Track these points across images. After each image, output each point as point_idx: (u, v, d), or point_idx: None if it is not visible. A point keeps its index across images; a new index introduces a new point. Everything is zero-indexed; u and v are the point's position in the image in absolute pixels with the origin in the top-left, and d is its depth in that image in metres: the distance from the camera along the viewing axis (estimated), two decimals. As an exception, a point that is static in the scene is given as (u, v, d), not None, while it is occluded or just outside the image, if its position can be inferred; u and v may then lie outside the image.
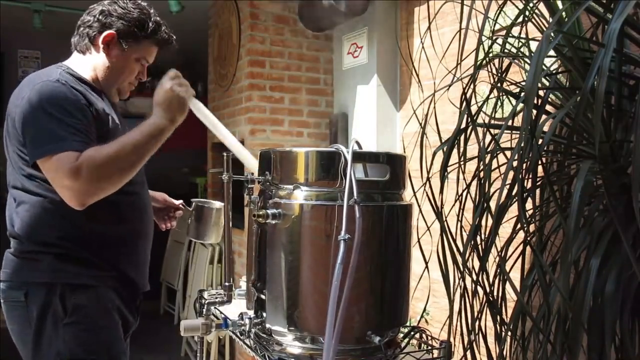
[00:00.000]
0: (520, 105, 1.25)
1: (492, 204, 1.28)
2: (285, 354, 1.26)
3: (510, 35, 1.40)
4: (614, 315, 1.11)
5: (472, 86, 1.31)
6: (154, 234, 1.78)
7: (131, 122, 1.69)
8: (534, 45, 1.29)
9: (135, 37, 1.62)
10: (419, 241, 1.46)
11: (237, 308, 1.46)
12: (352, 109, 3.09)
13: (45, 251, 1.50)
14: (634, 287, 1.14)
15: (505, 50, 1.44)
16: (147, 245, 1.71)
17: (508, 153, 1.40)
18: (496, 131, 1.38)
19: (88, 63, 1.63)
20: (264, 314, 1.29)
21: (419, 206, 1.44)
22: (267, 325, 1.29)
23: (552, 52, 1.19)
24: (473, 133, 1.33)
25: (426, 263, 1.50)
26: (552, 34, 1.19)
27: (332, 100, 3.32)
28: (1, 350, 1.78)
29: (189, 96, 1.54)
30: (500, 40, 1.44)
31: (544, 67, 1.21)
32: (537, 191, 1.37)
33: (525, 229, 1.27)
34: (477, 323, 1.39)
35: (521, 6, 1.34)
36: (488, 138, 1.36)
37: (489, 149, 1.37)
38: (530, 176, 1.30)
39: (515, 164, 1.15)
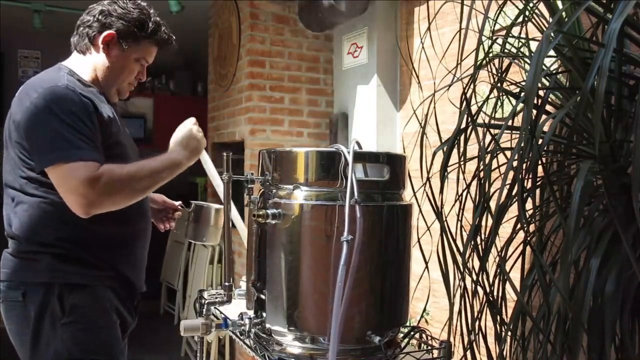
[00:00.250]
0: (520, 105, 1.25)
1: (492, 204, 1.28)
2: (285, 354, 1.26)
3: (510, 35, 1.40)
4: (614, 315, 1.11)
5: (472, 86, 1.31)
6: (154, 234, 1.79)
7: (131, 122, 1.69)
8: (534, 45, 1.29)
9: (135, 37, 1.62)
10: (419, 241, 1.46)
11: (237, 308, 1.46)
12: (352, 109, 3.09)
13: (43, 251, 1.50)
14: (634, 287, 1.14)
15: (505, 50, 1.44)
16: (145, 246, 1.71)
17: (508, 153, 1.40)
18: (496, 131, 1.38)
19: (88, 63, 1.63)
20: (264, 314, 1.29)
21: (419, 206, 1.44)
22: (267, 325, 1.29)
23: (552, 52, 1.19)
24: (473, 133, 1.33)
25: (426, 263, 1.49)
26: (552, 34, 1.19)
27: (332, 100, 3.32)
28: (0, 350, 1.78)
29: (204, 143, 1.69)
30: (500, 40, 1.44)
31: (544, 67, 1.21)
32: (537, 191, 1.37)
33: (525, 229, 1.27)
34: (477, 323, 1.39)
35: (521, 6, 1.34)
36: (488, 138, 1.35)
37: (489, 149, 1.37)
38: (530, 176, 1.30)
39: (515, 164, 1.15)
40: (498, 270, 1.39)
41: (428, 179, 1.43)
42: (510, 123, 1.37)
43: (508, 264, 1.40)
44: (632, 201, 0.99)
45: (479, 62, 1.38)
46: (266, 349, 1.29)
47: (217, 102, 3.76)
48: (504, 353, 1.36)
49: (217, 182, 1.75)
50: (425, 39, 1.54)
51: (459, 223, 1.45)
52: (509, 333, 1.37)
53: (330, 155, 1.24)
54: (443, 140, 1.44)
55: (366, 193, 1.22)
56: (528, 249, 1.37)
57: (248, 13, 3.19)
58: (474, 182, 1.40)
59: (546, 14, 1.37)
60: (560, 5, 1.32)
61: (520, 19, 1.38)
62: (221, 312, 1.50)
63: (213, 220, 1.83)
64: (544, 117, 1.23)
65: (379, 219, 1.26)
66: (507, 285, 1.32)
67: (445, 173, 1.39)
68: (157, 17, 1.67)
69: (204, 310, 1.47)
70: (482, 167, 1.34)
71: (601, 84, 0.95)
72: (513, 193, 1.27)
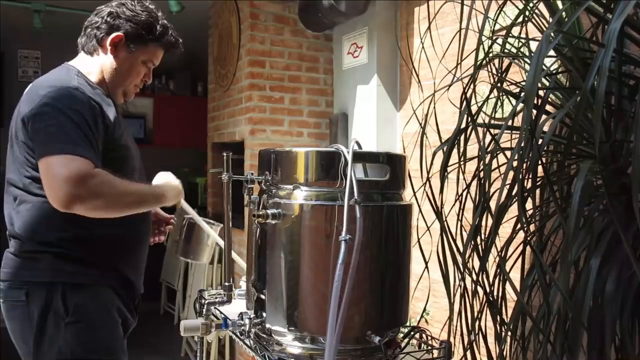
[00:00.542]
0: (520, 105, 1.25)
1: (492, 204, 1.28)
2: (285, 354, 1.26)
3: (510, 35, 1.40)
4: (614, 315, 1.11)
5: (472, 86, 1.31)
6: (153, 234, 1.80)
7: (131, 122, 1.70)
8: (534, 45, 1.29)
9: (143, 39, 1.63)
10: (419, 241, 1.46)
11: (237, 308, 1.46)
12: (352, 109, 3.09)
13: (45, 251, 1.50)
14: (634, 287, 1.14)
15: (505, 50, 1.44)
16: (145, 248, 1.72)
17: (508, 153, 1.40)
18: (496, 131, 1.38)
19: (95, 64, 1.64)
20: (264, 314, 1.29)
21: (419, 206, 1.44)
22: (267, 325, 1.29)
23: (552, 52, 1.19)
24: (473, 133, 1.33)
25: (426, 263, 1.49)
26: (552, 34, 1.19)
27: (332, 100, 3.32)
28: (1, 350, 1.78)
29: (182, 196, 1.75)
30: (500, 40, 1.44)
31: (544, 67, 1.21)
32: (537, 191, 1.37)
33: (525, 229, 1.27)
34: (477, 323, 1.39)
35: (521, 6, 1.34)
36: (488, 138, 1.35)
37: (489, 149, 1.37)
38: (530, 176, 1.30)
39: (515, 164, 1.15)
40: (498, 270, 1.39)
41: (428, 179, 1.43)
42: (510, 123, 1.37)
43: (508, 264, 1.40)
44: (632, 201, 0.99)
45: (479, 62, 1.38)
46: (266, 349, 1.29)
47: (217, 102, 3.76)
48: (504, 353, 1.36)
49: (209, 232, 1.81)
50: (425, 39, 1.54)
51: (459, 223, 1.45)
52: (509, 333, 1.37)
53: (330, 155, 1.24)
54: (443, 140, 1.44)
55: (366, 193, 1.22)
56: (528, 249, 1.37)
57: (248, 13, 3.19)
58: (474, 182, 1.40)
59: (546, 14, 1.37)
60: (560, 5, 1.32)
61: (520, 19, 1.38)
62: (221, 312, 1.50)
63: (204, 239, 1.83)
64: (544, 117, 1.23)
65: (379, 219, 1.26)
66: (507, 285, 1.32)
67: (445, 173, 1.39)
68: (164, 21, 1.68)
69: (204, 310, 1.47)
70: (482, 167, 1.34)
71: (601, 84, 0.95)
72: (513, 193, 1.27)
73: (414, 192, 1.46)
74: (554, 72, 1.41)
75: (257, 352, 1.32)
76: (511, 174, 1.17)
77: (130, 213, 1.52)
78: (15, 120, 1.54)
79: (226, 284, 1.47)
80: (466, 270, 1.35)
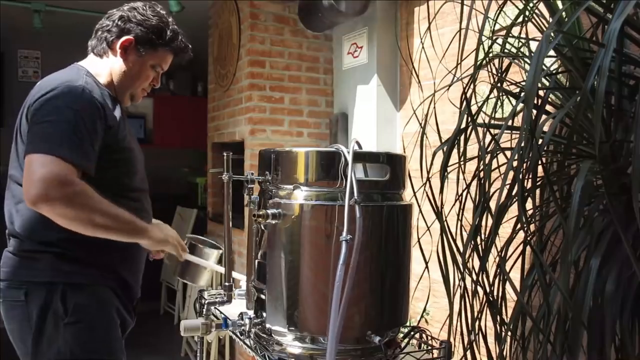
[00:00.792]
0: (520, 105, 1.25)
1: (492, 204, 1.28)
2: (285, 354, 1.26)
3: (510, 35, 1.40)
4: (614, 315, 1.11)
5: (472, 86, 1.31)
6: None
7: (131, 122, 1.70)
8: (534, 45, 1.29)
9: (153, 44, 1.64)
10: (419, 241, 1.46)
11: (237, 308, 1.46)
12: (352, 109, 3.09)
13: (44, 250, 1.50)
14: (634, 287, 1.14)
15: (505, 50, 1.44)
16: (144, 253, 1.71)
17: (508, 153, 1.40)
18: (496, 131, 1.38)
19: (105, 67, 1.65)
20: (264, 314, 1.29)
21: (419, 206, 1.44)
22: (267, 325, 1.29)
23: (552, 52, 1.19)
24: (473, 133, 1.33)
25: (426, 263, 1.50)
26: (552, 34, 1.19)
27: (332, 100, 3.32)
28: (1, 350, 1.78)
29: (171, 245, 1.67)
30: (500, 40, 1.44)
31: (544, 67, 1.21)
32: (537, 191, 1.37)
33: (525, 229, 1.27)
34: (477, 323, 1.39)
35: (521, 6, 1.34)
36: (488, 138, 1.35)
37: (489, 149, 1.37)
38: (530, 176, 1.30)
39: (515, 164, 1.15)
40: (498, 270, 1.39)
41: (428, 179, 1.43)
42: (510, 123, 1.37)
43: (508, 264, 1.40)
44: (632, 201, 0.99)
45: (479, 62, 1.38)
46: (266, 349, 1.29)
47: (217, 102, 3.76)
48: (504, 353, 1.36)
49: (213, 267, 1.78)
50: (425, 39, 1.54)
51: (459, 223, 1.45)
52: (509, 333, 1.37)
53: (330, 155, 1.24)
54: (443, 140, 1.44)
55: (366, 193, 1.22)
56: (528, 249, 1.37)
57: (248, 13, 3.19)
58: (474, 182, 1.40)
59: (546, 14, 1.37)
60: (560, 5, 1.32)
61: (520, 19, 1.38)
62: (221, 312, 1.50)
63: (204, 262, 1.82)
64: (544, 117, 1.23)
65: (379, 219, 1.26)
66: (507, 285, 1.32)
67: (445, 173, 1.39)
68: (175, 26, 1.69)
69: (204, 310, 1.47)
70: (482, 167, 1.34)
71: (601, 84, 0.95)
72: (513, 193, 1.27)
73: (414, 192, 1.46)
74: (554, 72, 1.41)
75: (257, 352, 1.32)
76: (511, 174, 1.17)
77: (102, 235, 1.46)
78: (19, 118, 1.55)
79: (226, 284, 1.47)
80: (466, 270, 1.35)
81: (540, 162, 1.19)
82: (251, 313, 1.35)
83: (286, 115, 3.24)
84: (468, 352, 1.39)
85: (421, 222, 1.47)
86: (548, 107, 1.39)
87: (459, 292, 1.39)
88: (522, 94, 1.34)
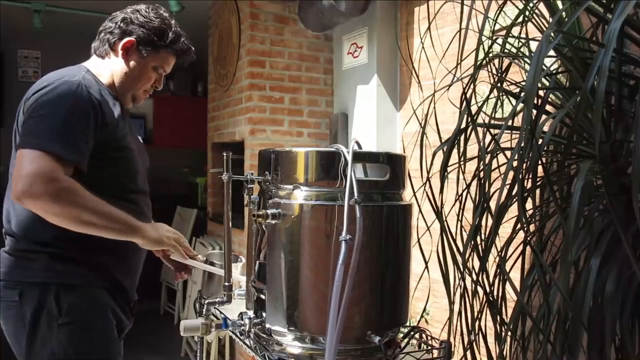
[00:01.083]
0: (520, 105, 1.25)
1: (492, 204, 1.28)
2: (285, 354, 1.26)
3: (510, 35, 1.40)
4: (614, 315, 1.11)
5: (472, 86, 1.31)
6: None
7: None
8: (534, 45, 1.29)
9: (155, 45, 1.64)
10: (419, 241, 1.46)
11: (237, 308, 1.46)
12: (352, 109, 3.09)
13: (39, 250, 1.50)
14: (634, 287, 1.14)
15: (505, 50, 1.44)
16: (140, 256, 1.70)
17: (508, 153, 1.40)
18: (496, 131, 1.38)
19: (106, 67, 1.65)
20: (264, 314, 1.29)
21: (419, 206, 1.44)
22: (267, 325, 1.29)
23: (552, 52, 1.19)
24: (473, 133, 1.33)
25: (426, 263, 1.49)
26: (552, 34, 1.19)
27: (332, 100, 3.32)
28: (1, 351, 1.78)
29: (171, 244, 1.61)
30: (500, 40, 1.44)
31: (544, 67, 1.21)
32: (537, 191, 1.37)
33: (525, 229, 1.27)
34: (477, 323, 1.39)
35: (521, 6, 1.34)
36: (488, 138, 1.36)
37: (489, 149, 1.37)
38: (530, 176, 1.30)
39: (515, 164, 1.15)
40: (498, 270, 1.39)
41: (428, 179, 1.43)
42: (510, 123, 1.37)
43: (508, 264, 1.40)
44: (632, 201, 0.99)
45: (479, 62, 1.38)
46: (266, 349, 1.29)
47: (217, 102, 3.76)
48: (504, 353, 1.36)
49: (213, 271, 1.71)
50: (425, 39, 1.54)
51: (459, 223, 1.45)
52: (509, 333, 1.37)
53: (330, 155, 1.24)
54: (443, 140, 1.44)
55: (366, 193, 1.22)
56: (528, 249, 1.37)
57: (248, 13, 3.19)
58: (474, 182, 1.40)
59: (546, 14, 1.37)
60: (560, 5, 1.32)
61: (520, 19, 1.38)
62: (221, 312, 1.50)
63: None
64: (544, 117, 1.23)
65: (379, 219, 1.26)
66: (507, 285, 1.32)
67: (445, 173, 1.39)
68: (178, 28, 1.70)
69: (204, 310, 1.47)
70: (482, 167, 1.34)
71: (601, 84, 0.95)
72: (513, 193, 1.27)
73: (414, 192, 1.46)
74: (554, 72, 1.41)
75: (257, 352, 1.32)
76: (511, 174, 1.17)
77: (92, 233, 1.45)
78: (17, 113, 1.55)
79: (226, 284, 1.47)
80: (466, 270, 1.35)
81: (540, 162, 1.19)
82: (251, 313, 1.35)
83: (286, 115, 3.24)
84: (468, 352, 1.39)
85: (421, 222, 1.47)
86: (548, 107, 1.39)
87: (459, 292, 1.39)
88: (522, 94, 1.34)
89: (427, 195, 1.43)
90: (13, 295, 1.50)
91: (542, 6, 1.37)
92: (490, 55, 1.43)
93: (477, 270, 1.33)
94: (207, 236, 4.08)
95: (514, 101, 1.42)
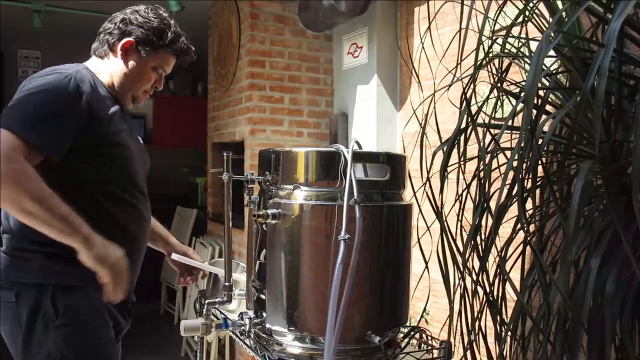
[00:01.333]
0: (520, 105, 1.24)
1: (492, 204, 1.28)
2: (285, 354, 1.26)
3: (510, 35, 1.40)
4: (614, 315, 1.11)
5: (472, 86, 1.31)
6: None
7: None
8: (534, 45, 1.29)
9: (154, 45, 1.64)
10: (419, 241, 1.46)
11: (237, 308, 1.46)
12: (352, 109, 3.09)
13: (36, 250, 1.49)
14: (634, 287, 1.14)
15: (505, 50, 1.44)
16: (139, 258, 1.69)
17: (508, 153, 1.40)
18: (496, 131, 1.38)
19: (106, 68, 1.65)
20: (264, 314, 1.29)
21: (419, 206, 1.44)
22: (267, 325, 1.29)
23: (552, 52, 1.19)
24: (473, 133, 1.33)
25: (426, 263, 1.50)
26: (552, 34, 1.19)
27: (332, 100, 3.32)
28: (0, 351, 1.78)
29: (113, 271, 1.44)
30: (500, 40, 1.44)
31: (544, 67, 1.21)
32: (537, 191, 1.37)
33: (525, 229, 1.27)
34: (477, 323, 1.39)
35: (521, 6, 1.34)
36: (488, 138, 1.36)
37: (489, 149, 1.37)
38: (530, 176, 1.30)
39: (515, 164, 1.15)
40: (498, 270, 1.39)
41: (428, 179, 1.43)
42: (510, 123, 1.37)
43: (508, 264, 1.40)
44: (632, 201, 0.99)
45: (479, 62, 1.38)
46: (266, 349, 1.29)
47: (217, 102, 3.76)
48: (504, 353, 1.36)
49: (217, 271, 1.72)
50: (425, 39, 1.54)
51: (459, 223, 1.45)
52: (509, 333, 1.37)
53: (330, 155, 1.24)
54: (443, 140, 1.44)
55: (366, 193, 1.22)
56: (528, 249, 1.37)
57: (248, 13, 3.19)
58: (474, 182, 1.40)
59: (546, 14, 1.37)
60: (560, 5, 1.32)
61: (520, 19, 1.38)
62: (221, 312, 1.50)
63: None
64: (544, 117, 1.23)
65: (379, 219, 1.26)
66: (507, 285, 1.32)
67: (445, 173, 1.39)
68: (177, 28, 1.69)
69: (204, 310, 1.47)
70: (482, 167, 1.34)
71: (601, 84, 0.95)
72: (513, 193, 1.27)
73: (414, 192, 1.46)
74: (554, 72, 1.41)
75: (257, 352, 1.32)
76: (511, 174, 1.17)
77: (31, 224, 1.36)
78: None
79: (226, 284, 1.47)
80: (466, 270, 1.35)
81: (540, 162, 1.19)
82: (251, 313, 1.35)
83: (286, 115, 3.24)
84: (468, 352, 1.39)
85: (421, 222, 1.47)
86: (548, 107, 1.39)
87: (459, 292, 1.39)
88: (522, 94, 1.34)
89: (427, 195, 1.43)
90: (9, 296, 1.49)
91: (542, 6, 1.37)
92: (490, 55, 1.43)
93: (477, 270, 1.33)
94: (207, 236, 4.08)
95: (514, 101, 1.42)
